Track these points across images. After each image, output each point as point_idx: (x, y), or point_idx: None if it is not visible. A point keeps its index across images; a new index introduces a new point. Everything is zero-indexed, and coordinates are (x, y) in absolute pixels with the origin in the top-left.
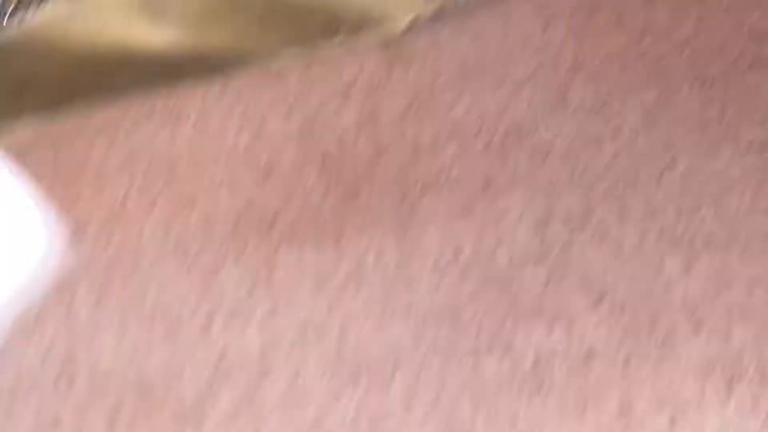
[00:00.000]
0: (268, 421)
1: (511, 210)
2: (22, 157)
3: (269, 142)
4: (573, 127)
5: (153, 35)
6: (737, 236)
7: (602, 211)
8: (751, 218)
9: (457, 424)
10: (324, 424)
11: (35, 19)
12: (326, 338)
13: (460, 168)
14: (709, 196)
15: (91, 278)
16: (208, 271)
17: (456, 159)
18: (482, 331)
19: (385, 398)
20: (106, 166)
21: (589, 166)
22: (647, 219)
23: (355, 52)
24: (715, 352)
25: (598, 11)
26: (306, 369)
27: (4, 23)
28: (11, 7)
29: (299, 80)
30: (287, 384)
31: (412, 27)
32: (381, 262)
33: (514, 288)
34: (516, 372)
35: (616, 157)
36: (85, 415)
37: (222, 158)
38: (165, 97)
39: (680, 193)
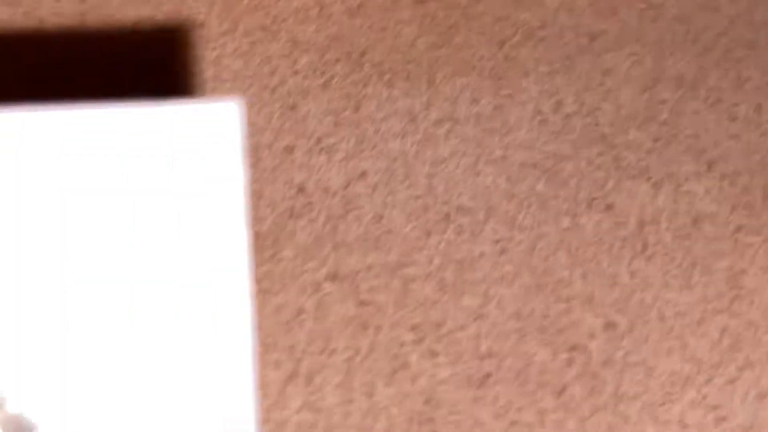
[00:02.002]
0: (348, 258)
1: (617, 68)
2: None
3: None
4: None
5: None
6: None
7: (716, 77)
8: None
9: (553, 276)
10: (407, 267)
11: None
12: (414, 179)
13: (564, 19)
14: None
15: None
16: (291, 99)
17: (560, 10)
18: (582, 189)
19: (476, 244)
20: None
21: (704, 30)
22: (764, 89)
23: None
24: None
25: None
26: (392, 209)
27: None
28: None
29: None
30: (371, 222)
31: None
32: (476, 107)
33: (618, 147)
34: (618, 232)
35: (733, 23)
36: None
37: None
38: None
39: None
